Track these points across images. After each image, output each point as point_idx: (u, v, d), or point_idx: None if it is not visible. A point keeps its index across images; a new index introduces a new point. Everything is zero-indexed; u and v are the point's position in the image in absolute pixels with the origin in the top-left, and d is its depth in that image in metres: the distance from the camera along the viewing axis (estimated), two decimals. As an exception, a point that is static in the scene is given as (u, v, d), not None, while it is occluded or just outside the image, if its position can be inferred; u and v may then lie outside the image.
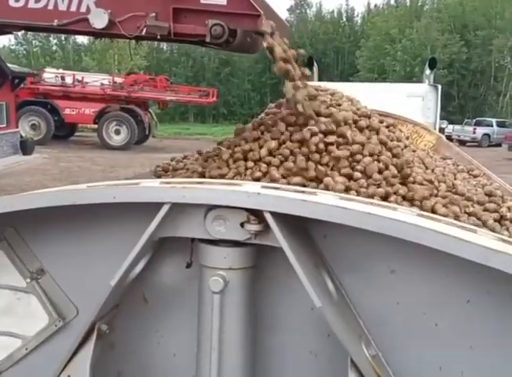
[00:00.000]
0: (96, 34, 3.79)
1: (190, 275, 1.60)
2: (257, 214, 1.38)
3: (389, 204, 1.84)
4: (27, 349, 1.64)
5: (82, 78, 26.72)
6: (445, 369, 1.43)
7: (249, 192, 1.37)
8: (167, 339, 1.68)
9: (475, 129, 37.33)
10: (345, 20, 65.08)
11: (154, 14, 3.29)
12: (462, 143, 34.29)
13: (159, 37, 3.36)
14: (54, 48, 59.20)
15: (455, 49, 50.56)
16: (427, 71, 11.20)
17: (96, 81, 26.57)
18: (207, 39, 3.24)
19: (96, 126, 26.03)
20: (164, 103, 28.20)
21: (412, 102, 9.38)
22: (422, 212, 1.71)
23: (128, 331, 1.69)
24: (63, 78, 26.38)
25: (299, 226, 1.46)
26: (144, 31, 3.33)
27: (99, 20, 3.35)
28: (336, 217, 1.32)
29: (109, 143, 25.24)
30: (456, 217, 2.97)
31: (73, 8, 3.43)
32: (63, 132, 26.88)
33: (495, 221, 3.14)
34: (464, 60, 51.41)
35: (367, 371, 1.37)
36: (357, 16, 66.06)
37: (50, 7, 3.47)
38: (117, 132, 25.42)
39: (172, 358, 1.67)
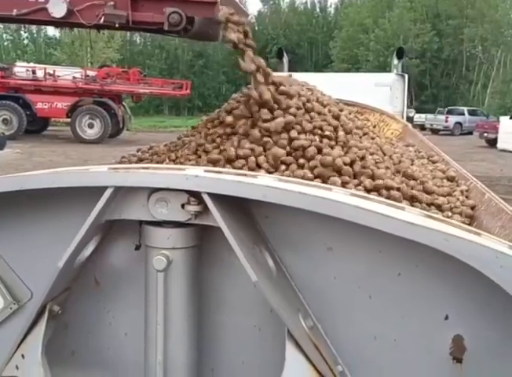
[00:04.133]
0: (55, 23, 3.82)
1: (139, 257, 1.66)
2: (196, 196, 1.45)
3: (325, 185, 1.92)
4: None
5: (54, 71, 26.37)
6: (379, 338, 1.52)
7: (188, 174, 1.44)
8: (118, 319, 1.74)
9: (447, 117, 37.83)
10: (318, 10, 65.26)
11: (112, 3, 3.34)
12: (434, 132, 34.83)
13: (117, 25, 3.41)
14: (25, 41, 58.35)
15: (426, 38, 51.07)
16: (395, 61, 11.34)
17: (68, 74, 26.25)
18: (165, 27, 3.30)
19: (69, 119, 25.76)
20: (137, 96, 27.98)
21: (380, 91, 9.52)
22: (355, 192, 1.79)
23: (81, 312, 1.75)
24: (34, 72, 26.00)
25: (240, 207, 1.54)
26: (103, 19, 3.38)
27: (58, 9, 3.39)
28: (269, 197, 1.39)
29: (82, 137, 24.99)
30: (412, 202, 3.08)
31: None
32: (35, 126, 26.53)
33: (449, 203, 3.26)
34: (436, 49, 51.99)
35: (303, 341, 1.45)
36: (330, 6, 66.41)
37: None
38: (90, 125, 25.18)
39: (124, 337, 1.74)
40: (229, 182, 1.42)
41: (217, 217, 1.41)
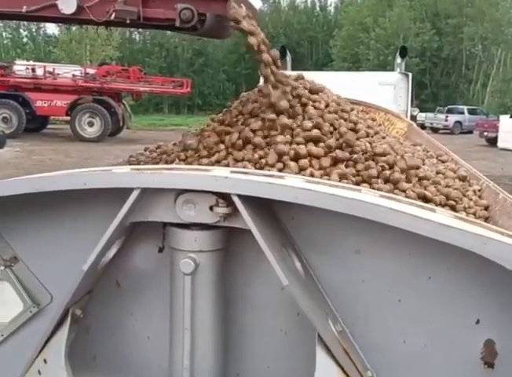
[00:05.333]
0: (65, 20, 3.78)
1: (162, 259, 1.64)
2: (225, 198, 1.42)
3: (354, 186, 1.90)
4: (2, 335, 1.66)
5: (54, 69, 26.25)
6: (409, 343, 1.49)
7: (217, 175, 1.41)
8: (141, 322, 1.71)
9: (447, 116, 37.89)
10: (318, 9, 65.27)
11: None
12: (434, 130, 34.82)
13: (128, 22, 3.36)
14: (25, 40, 58.25)
15: (426, 37, 51.08)
16: (398, 60, 11.30)
17: (67, 72, 26.15)
18: (177, 23, 3.25)
19: (68, 118, 25.68)
20: (138, 94, 27.92)
21: (384, 90, 9.48)
22: (385, 193, 1.77)
23: (102, 316, 1.72)
24: (33, 70, 25.88)
25: (267, 209, 1.51)
26: (113, 15, 3.33)
27: (67, 5, 3.34)
28: (302, 199, 1.36)
29: (82, 135, 24.89)
30: (427, 201, 3.05)
31: None
32: (35, 125, 26.41)
33: (462, 203, 3.22)
34: (436, 48, 51.99)
35: (333, 346, 1.42)
36: (330, 5, 66.45)
37: None
38: (90, 124, 25.07)
39: (146, 341, 1.71)
40: (260, 184, 1.39)
41: (247, 220, 1.38)
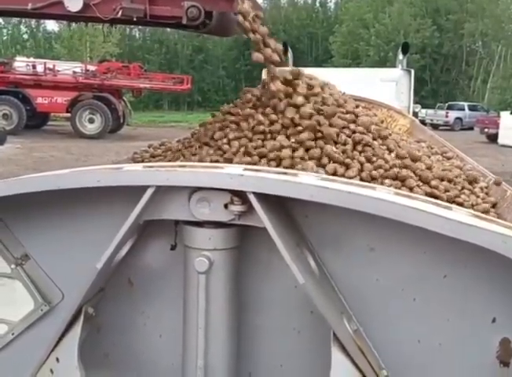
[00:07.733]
0: (71, 17, 3.74)
1: (175, 257, 1.62)
2: (240, 195, 1.41)
3: (368, 184, 1.88)
4: (13, 334, 1.65)
5: (54, 66, 26.21)
6: (424, 342, 1.48)
7: (232, 173, 1.40)
8: (153, 321, 1.70)
9: (447, 113, 37.95)
10: (318, 5, 65.21)
11: None
12: (435, 127, 34.77)
13: (135, 19, 3.34)
14: (25, 36, 58.19)
15: (427, 33, 51.06)
16: (400, 56, 11.22)
17: (68, 69, 26.10)
18: (184, 21, 3.23)
19: (69, 114, 25.66)
20: (138, 91, 27.90)
21: (386, 87, 9.41)
22: (399, 191, 1.76)
23: (114, 314, 1.71)
24: (34, 67, 25.85)
25: (281, 207, 1.50)
26: (120, 13, 3.31)
27: (74, 2, 3.31)
28: (317, 197, 1.35)
29: (83, 132, 24.89)
30: (434, 198, 3.03)
31: None
32: (35, 121, 26.40)
33: (470, 200, 3.21)
34: (436, 44, 51.95)
35: (349, 345, 1.41)
36: (330, 1, 66.29)
37: None
38: (91, 120, 25.06)
39: (158, 339, 1.70)
40: (276, 181, 1.38)
41: (263, 218, 1.37)
